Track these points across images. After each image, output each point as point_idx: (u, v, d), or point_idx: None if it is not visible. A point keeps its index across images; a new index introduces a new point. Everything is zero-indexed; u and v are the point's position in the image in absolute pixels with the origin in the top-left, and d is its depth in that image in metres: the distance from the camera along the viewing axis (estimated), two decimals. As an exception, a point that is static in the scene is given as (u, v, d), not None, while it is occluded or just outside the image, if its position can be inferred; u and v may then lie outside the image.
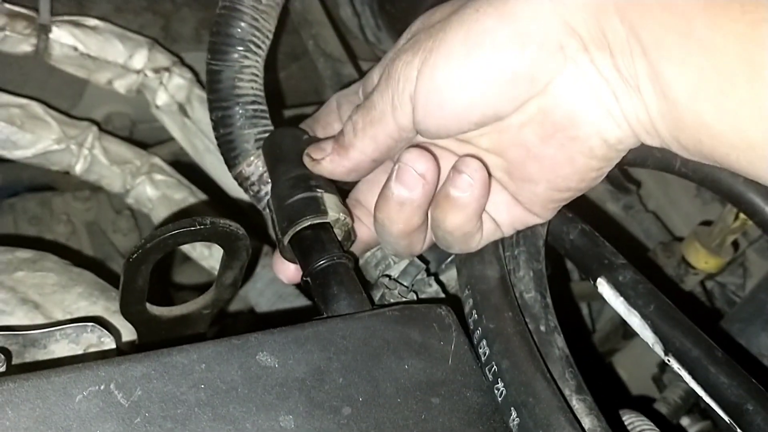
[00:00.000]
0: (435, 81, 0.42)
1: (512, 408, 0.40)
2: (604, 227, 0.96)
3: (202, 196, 0.82)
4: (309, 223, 0.48)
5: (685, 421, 0.81)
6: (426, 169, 0.44)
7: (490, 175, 0.45)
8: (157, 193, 0.80)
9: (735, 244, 0.80)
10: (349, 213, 0.50)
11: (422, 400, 0.41)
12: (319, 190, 0.49)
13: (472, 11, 0.42)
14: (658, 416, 0.76)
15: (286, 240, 0.48)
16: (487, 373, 0.43)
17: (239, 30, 0.55)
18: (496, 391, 0.42)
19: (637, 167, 0.82)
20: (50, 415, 0.35)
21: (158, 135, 0.93)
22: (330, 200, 0.49)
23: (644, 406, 0.80)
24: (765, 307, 0.72)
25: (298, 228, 0.48)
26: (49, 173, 0.88)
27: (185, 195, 0.80)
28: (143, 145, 0.91)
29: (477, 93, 0.42)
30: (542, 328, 0.46)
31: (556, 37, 0.40)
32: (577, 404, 0.42)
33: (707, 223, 0.81)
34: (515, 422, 0.40)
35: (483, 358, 0.44)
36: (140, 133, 0.94)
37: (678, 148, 0.41)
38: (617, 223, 0.94)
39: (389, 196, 0.46)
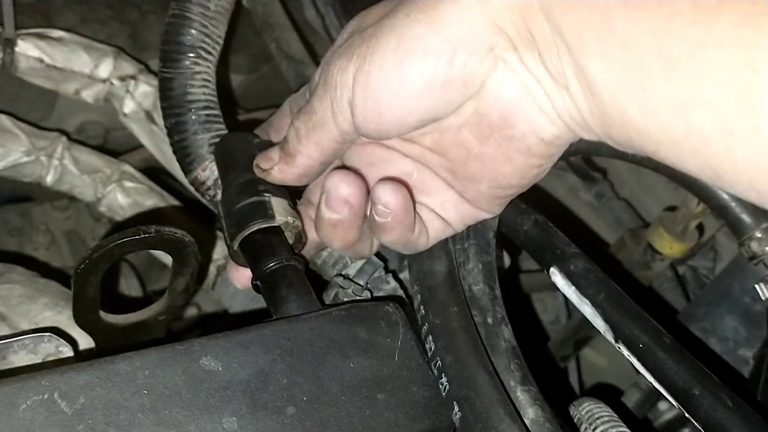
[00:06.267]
0: (371, 89, 0.43)
1: (455, 402, 0.41)
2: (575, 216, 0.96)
3: (174, 202, 0.82)
4: (257, 227, 0.48)
5: (663, 405, 0.82)
6: (349, 193, 0.45)
7: (412, 194, 0.47)
8: (128, 201, 0.80)
9: (700, 229, 0.81)
10: (299, 216, 0.51)
11: (367, 397, 0.42)
12: (266, 194, 0.50)
13: (402, 16, 0.42)
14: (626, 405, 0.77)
15: (235, 245, 0.49)
16: (433, 368, 0.44)
17: (189, 37, 0.56)
18: (440, 386, 0.42)
19: (591, 156, 0.83)
20: (-6, 426, 0.36)
21: (132, 142, 0.94)
22: (278, 204, 0.49)
23: (615, 395, 0.80)
24: (730, 291, 0.72)
25: (246, 233, 0.48)
26: (27, 184, 0.88)
27: (156, 201, 0.81)
28: (116, 152, 0.92)
29: (412, 100, 0.42)
30: (489, 320, 0.46)
31: (486, 40, 0.40)
32: (521, 395, 0.43)
33: (673, 209, 0.81)
34: (457, 416, 0.41)
35: (429, 353, 0.44)
36: (114, 141, 0.95)
37: (613, 143, 0.41)
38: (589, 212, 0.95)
39: (322, 218, 0.47)
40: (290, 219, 0.49)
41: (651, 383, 0.50)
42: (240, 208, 0.49)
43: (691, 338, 0.72)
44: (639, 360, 0.49)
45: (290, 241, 0.50)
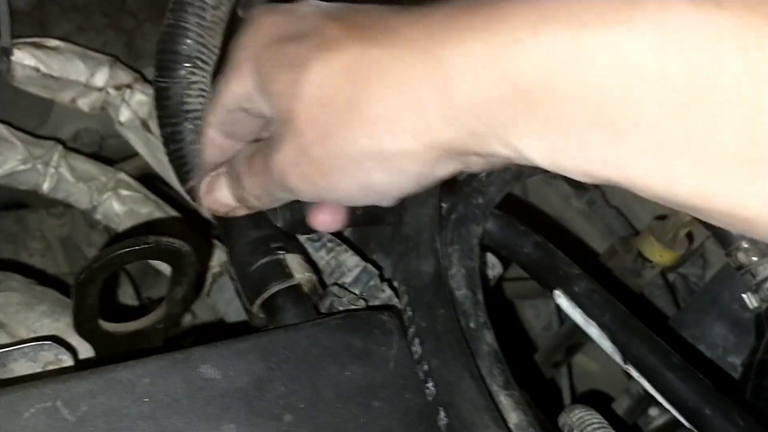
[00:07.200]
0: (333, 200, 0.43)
1: (440, 407, 0.41)
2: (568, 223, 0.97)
3: (169, 210, 0.83)
4: (276, 289, 0.48)
5: (653, 411, 0.83)
6: None
7: None
8: (124, 209, 0.81)
9: (690, 237, 0.82)
10: (314, 268, 0.51)
11: (362, 404, 0.42)
12: (280, 252, 0.49)
13: (347, 144, 0.38)
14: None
15: (255, 309, 0.49)
16: (419, 371, 0.44)
17: (185, 47, 0.56)
18: (426, 391, 0.43)
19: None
20: (-2, 433, 0.36)
21: (127, 149, 0.94)
22: (293, 261, 0.49)
23: (606, 401, 0.81)
24: (719, 298, 0.73)
25: (267, 295, 0.48)
26: (23, 192, 0.89)
27: (151, 209, 0.81)
28: (112, 160, 0.93)
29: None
30: (472, 324, 0.47)
31: (431, 161, 0.37)
32: (504, 399, 0.44)
33: (663, 217, 0.83)
34: (443, 422, 0.41)
35: (416, 356, 0.44)
36: (109, 149, 0.95)
37: None
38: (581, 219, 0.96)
39: None
40: (306, 274, 0.49)
41: (660, 402, 0.49)
42: (255, 269, 0.49)
43: (680, 345, 0.73)
44: (649, 381, 0.49)
45: (306, 291, 0.50)
